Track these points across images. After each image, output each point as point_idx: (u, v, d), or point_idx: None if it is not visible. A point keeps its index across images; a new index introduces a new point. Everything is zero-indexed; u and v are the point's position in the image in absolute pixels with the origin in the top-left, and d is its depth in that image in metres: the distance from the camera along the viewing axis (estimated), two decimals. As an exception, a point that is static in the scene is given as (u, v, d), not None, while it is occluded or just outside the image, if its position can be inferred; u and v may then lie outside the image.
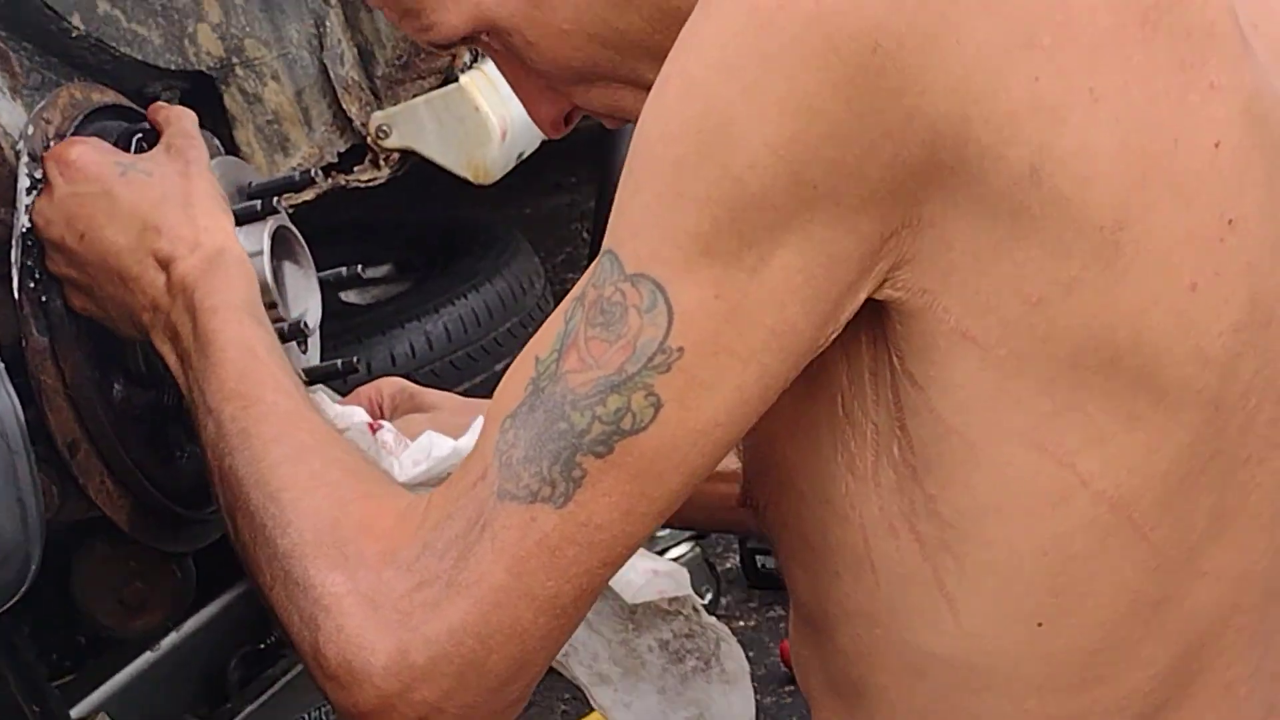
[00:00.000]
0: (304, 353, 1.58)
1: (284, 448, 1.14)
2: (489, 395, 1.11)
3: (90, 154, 1.38)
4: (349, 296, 3.16)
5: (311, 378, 1.55)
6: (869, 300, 1.00)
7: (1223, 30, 1.01)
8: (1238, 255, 1.00)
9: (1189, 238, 0.99)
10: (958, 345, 0.99)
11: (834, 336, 1.01)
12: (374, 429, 1.38)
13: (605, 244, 1.01)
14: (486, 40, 1.21)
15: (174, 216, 1.33)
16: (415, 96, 2.05)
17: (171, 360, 1.29)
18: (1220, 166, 0.99)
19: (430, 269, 3.22)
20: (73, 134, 1.44)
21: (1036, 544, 1.03)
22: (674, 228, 0.97)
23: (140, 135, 1.47)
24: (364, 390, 1.57)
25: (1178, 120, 0.98)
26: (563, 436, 0.98)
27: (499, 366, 2.72)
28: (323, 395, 1.43)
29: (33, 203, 1.38)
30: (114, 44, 1.87)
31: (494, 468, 1.01)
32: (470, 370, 2.80)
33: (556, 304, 1.06)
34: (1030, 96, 0.95)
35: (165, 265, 1.31)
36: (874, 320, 1.02)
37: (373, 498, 1.09)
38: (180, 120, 1.46)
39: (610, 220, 1.02)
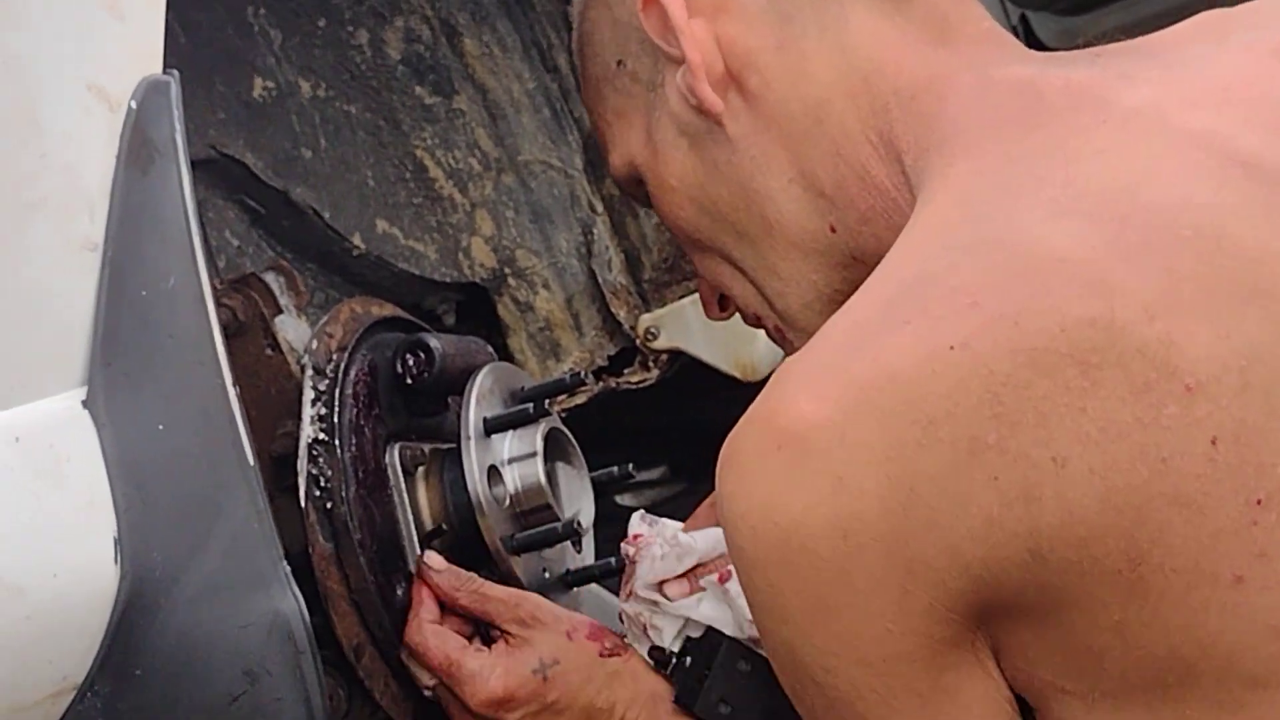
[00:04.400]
0: (579, 553, 1.60)
1: None
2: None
3: (515, 683, 1.38)
4: (624, 500, 3.18)
5: (585, 577, 1.57)
6: None
7: (1180, 334, 0.98)
8: None
9: (1215, 537, 0.97)
10: (1061, 699, 1.02)
11: None
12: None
13: None
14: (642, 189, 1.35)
15: (604, 692, 1.39)
16: (682, 298, 2.08)
17: None
18: (1224, 459, 0.97)
19: (703, 470, 3.23)
20: (353, 346, 1.49)
21: None
22: None
23: (415, 344, 1.52)
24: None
25: (1159, 440, 0.97)
26: None
27: (774, 565, 2.69)
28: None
29: (316, 414, 1.43)
30: (392, 260, 1.95)
31: None
32: (746, 569, 2.79)
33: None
34: (997, 495, 0.97)
35: None
36: None
37: None
38: (516, 607, 1.44)
39: None
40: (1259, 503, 0.97)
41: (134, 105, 1.11)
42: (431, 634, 1.40)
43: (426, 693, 1.42)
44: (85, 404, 1.09)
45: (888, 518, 0.98)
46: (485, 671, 1.38)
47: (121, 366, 1.09)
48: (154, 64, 1.13)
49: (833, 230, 1.22)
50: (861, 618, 1.00)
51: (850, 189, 1.20)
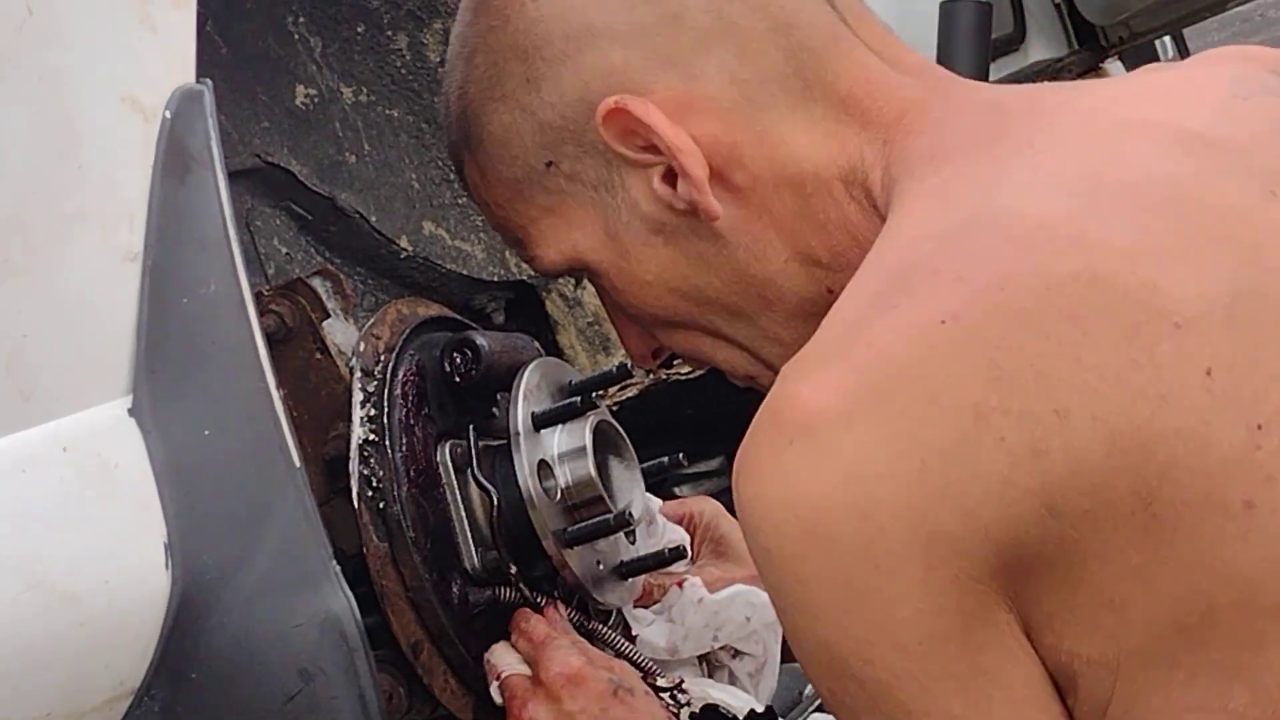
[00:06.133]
0: (632, 544, 1.60)
1: None
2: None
3: (589, 673, 1.42)
4: (683, 492, 3.19)
5: (639, 568, 1.57)
6: None
7: (1162, 278, 1.01)
8: None
9: (1222, 466, 0.98)
10: (1089, 673, 1.03)
11: None
12: (680, 584, 1.56)
13: None
14: (585, 275, 1.36)
15: None
16: (729, 287, 2.08)
17: None
18: (1220, 388, 0.99)
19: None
20: (400, 346, 1.50)
21: None
22: None
23: (462, 343, 1.53)
24: (688, 505, 1.69)
25: (1155, 378, 0.99)
26: None
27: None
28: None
29: (366, 415, 1.44)
30: (440, 261, 1.97)
31: None
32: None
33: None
34: (1006, 455, 0.99)
35: None
36: None
37: None
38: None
39: None
40: (1260, 428, 0.98)
41: (168, 115, 1.12)
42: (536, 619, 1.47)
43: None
44: (131, 412, 1.11)
45: (903, 493, 1.00)
46: (572, 649, 1.43)
47: (165, 374, 1.11)
48: (187, 73, 1.14)
49: (830, 291, 1.23)
50: (892, 599, 1.02)
51: (843, 249, 1.24)
